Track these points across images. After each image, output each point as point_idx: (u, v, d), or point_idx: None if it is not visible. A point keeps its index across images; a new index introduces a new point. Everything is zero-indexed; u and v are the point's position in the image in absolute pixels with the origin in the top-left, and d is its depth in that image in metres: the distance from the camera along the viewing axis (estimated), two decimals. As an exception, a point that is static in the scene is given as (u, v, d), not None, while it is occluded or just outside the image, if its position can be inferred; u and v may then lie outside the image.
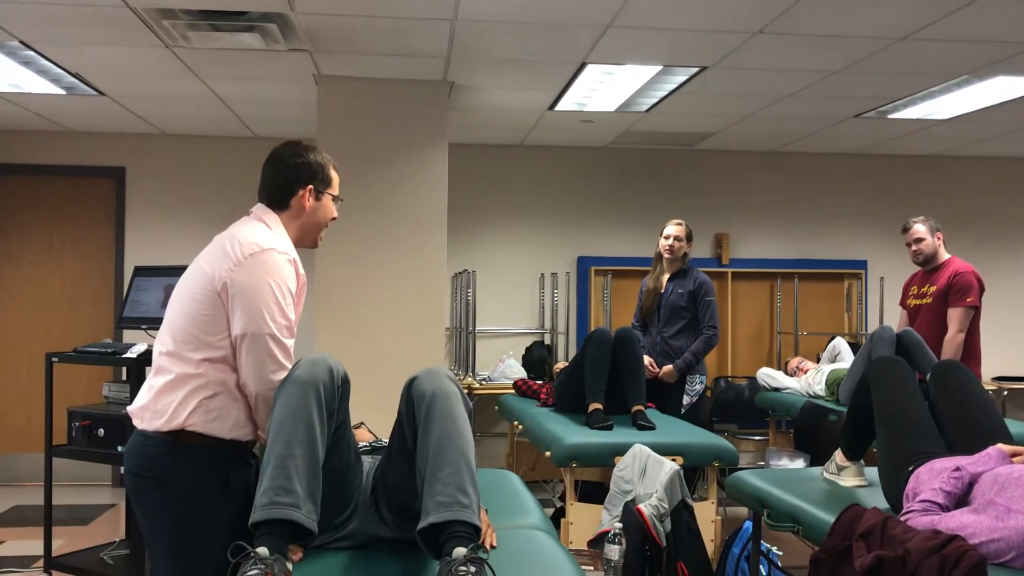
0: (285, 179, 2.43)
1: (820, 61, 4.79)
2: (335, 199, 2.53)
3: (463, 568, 1.75)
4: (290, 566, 1.85)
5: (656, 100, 5.66)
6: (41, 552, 4.43)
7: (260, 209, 2.45)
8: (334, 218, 2.55)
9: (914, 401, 2.78)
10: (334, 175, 2.53)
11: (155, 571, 2.34)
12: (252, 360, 2.22)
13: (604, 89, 5.40)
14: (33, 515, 5.82)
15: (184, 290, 2.32)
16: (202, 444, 2.23)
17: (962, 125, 6.31)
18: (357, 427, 2.86)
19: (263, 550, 1.81)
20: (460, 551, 1.81)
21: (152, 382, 2.30)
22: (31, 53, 4.69)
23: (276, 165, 2.45)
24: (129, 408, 2.37)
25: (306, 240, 2.51)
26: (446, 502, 1.90)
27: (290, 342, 2.28)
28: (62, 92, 5.54)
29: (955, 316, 4.79)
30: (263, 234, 2.33)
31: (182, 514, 2.24)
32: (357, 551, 2.21)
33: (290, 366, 2.23)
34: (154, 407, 2.25)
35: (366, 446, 2.55)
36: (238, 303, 2.22)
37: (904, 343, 4.60)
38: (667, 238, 5.15)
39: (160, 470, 2.23)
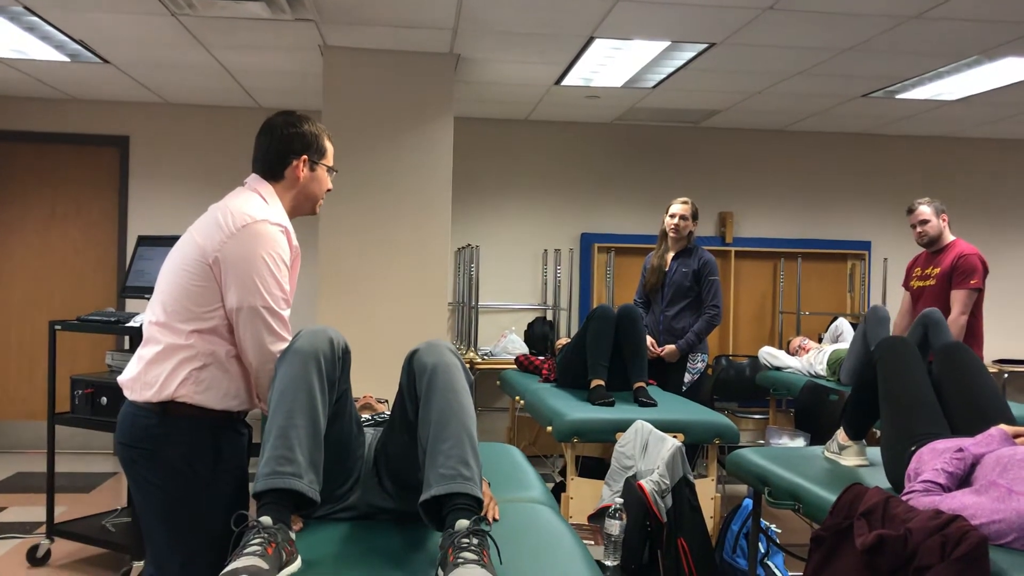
0: (279, 149, 2.40)
1: (830, 39, 4.76)
2: (330, 170, 2.50)
3: (465, 540, 1.75)
4: (293, 535, 1.86)
5: (663, 76, 5.63)
6: (43, 518, 4.46)
7: (254, 180, 2.41)
8: (328, 190, 2.53)
9: (919, 382, 2.77)
10: (328, 146, 2.49)
11: (148, 541, 2.34)
12: (249, 333, 2.21)
13: (611, 64, 5.37)
14: (35, 482, 5.85)
15: (176, 260, 2.30)
16: (193, 415, 2.22)
17: (970, 106, 6.28)
18: (382, 401, 2.87)
19: (266, 519, 1.81)
20: (463, 523, 1.80)
21: (142, 352, 2.29)
22: (35, 19, 4.66)
23: (270, 135, 2.42)
24: (119, 379, 2.35)
25: (302, 210, 2.48)
26: (448, 474, 1.89)
27: (286, 313, 2.26)
28: (66, 59, 5.51)
29: (958, 298, 4.78)
30: (256, 205, 2.30)
31: (174, 485, 2.24)
32: (359, 522, 2.21)
33: (289, 337, 2.22)
34: (144, 378, 2.25)
35: (369, 419, 2.55)
36: (232, 276, 2.20)
37: (925, 322, 4.52)
38: (672, 216, 5.12)
39: (151, 441, 2.23)
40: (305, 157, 2.41)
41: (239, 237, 2.21)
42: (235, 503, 2.29)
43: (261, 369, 2.23)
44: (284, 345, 2.17)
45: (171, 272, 2.29)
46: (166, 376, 2.21)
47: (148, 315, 2.31)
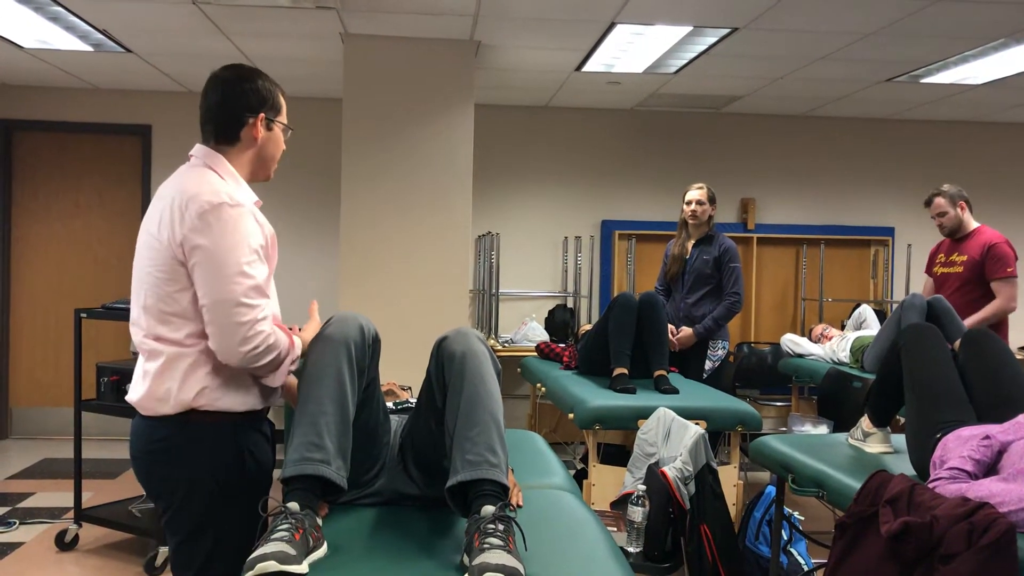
0: (233, 107, 2.19)
1: (854, 23, 4.71)
2: (285, 129, 2.31)
3: (491, 526, 1.76)
4: (319, 521, 1.87)
5: (685, 62, 5.59)
6: (71, 504, 4.52)
7: (203, 153, 2.20)
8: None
9: (944, 368, 2.75)
10: (284, 102, 2.30)
11: (173, 549, 2.22)
12: (217, 330, 2.02)
13: (633, 50, 5.34)
14: (62, 468, 5.92)
15: (145, 266, 2.12)
16: (214, 421, 2.11)
17: (996, 90, 6.20)
18: (405, 388, 2.88)
19: (293, 505, 1.82)
20: (488, 509, 1.81)
21: (146, 367, 2.12)
22: (59, 9, 4.69)
23: (222, 92, 2.20)
24: (129, 399, 2.18)
25: (258, 176, 2.28)
26: (475, 460, 1.90)
27: (260, 302, 2.05)
28: (89, 49, 5.54)
29: (1001, 288, 4.75)
30: (211, 185, 2.08)
31: (197, 495, 2.13)
32: (384, 508, 2.22)
33: (263, 330, 2.04)
34: (155, 394, 2.09)
35: (392, 406, 2.56)
36: (198, 271, 2.02)
37: (934, 310, 4.56)
38: (689, 203, 5.12)
39: (169, 452, 2.11)
40: (263, 115, 2.21)
41: (200, 227, 2.01)
42: (255, 515, 2.05)
43: (245, 366, 2.07)
44: (259, 340, 2.03)
45: (143, 281, 2.12)
46: (178, 388, 2.07)
47: (136, 331, 2.14)
